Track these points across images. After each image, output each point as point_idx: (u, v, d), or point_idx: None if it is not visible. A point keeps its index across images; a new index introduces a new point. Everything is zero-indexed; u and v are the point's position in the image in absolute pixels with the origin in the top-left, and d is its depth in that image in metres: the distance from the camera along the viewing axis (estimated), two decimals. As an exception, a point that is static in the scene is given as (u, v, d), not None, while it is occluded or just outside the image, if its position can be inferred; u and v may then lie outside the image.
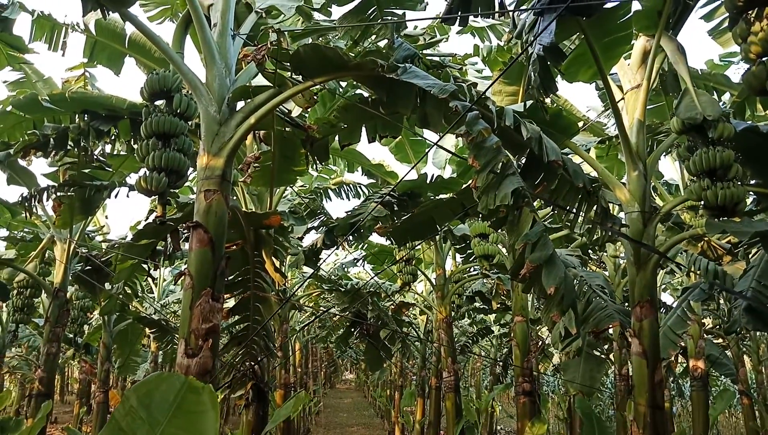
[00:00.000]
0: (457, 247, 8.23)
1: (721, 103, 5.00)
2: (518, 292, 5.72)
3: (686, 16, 3.95)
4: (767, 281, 4.02)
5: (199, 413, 0.97)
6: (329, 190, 8.55)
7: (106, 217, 10.09)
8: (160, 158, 3.22)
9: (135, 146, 4.09)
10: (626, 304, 5.89)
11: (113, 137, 4.80)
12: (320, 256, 6.36)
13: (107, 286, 6.45)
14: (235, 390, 4.78)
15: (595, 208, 3.34)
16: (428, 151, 4.01)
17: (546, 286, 2.20)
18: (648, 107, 4.37)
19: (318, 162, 4.06)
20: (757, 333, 12.48)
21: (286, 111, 3.66)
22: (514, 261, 2.57)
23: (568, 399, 11.16)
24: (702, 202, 3.36)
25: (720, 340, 12.67)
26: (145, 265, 5.30)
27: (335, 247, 6.26)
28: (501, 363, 13.21)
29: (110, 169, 5.63)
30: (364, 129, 4.05)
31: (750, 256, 5.50)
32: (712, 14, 4.34)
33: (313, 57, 2.99)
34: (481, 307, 12.28)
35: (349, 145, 4.06)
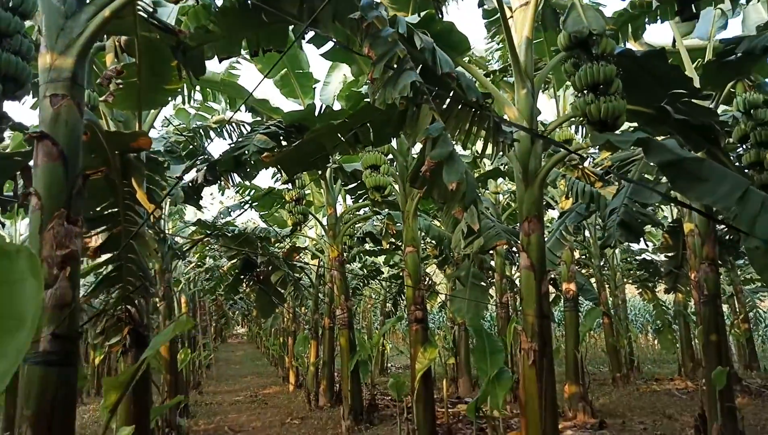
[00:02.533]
0: (348, 187, 8.09)
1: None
2: (409, 224, 5.72)
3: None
4: (638, 198, 4.33)
5: (13, 283, 0.71)
6: (209, 130, 7.94)
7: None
8: (-11, 62, 2.66)
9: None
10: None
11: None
12: (201, 195, 5.90)
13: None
14: (110, 336, 4.34)
15: (487, 123, 3.30)
16: (302, 32, 3.71)
17: (447, 181, 2.10)
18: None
19: (193, 77, 3.63)
20: (614, 262, 13.91)
21: (151, 9, 3.17)
22: (411, 170, 2.45)
23: (454, 331, 11.76)
24: (585, 119, 3.45)
25: (584, 270, 13.96)
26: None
27: (218, 182, 5.83)
28: (391, 299, 13.56)
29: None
30: (245, 41, 3.67)
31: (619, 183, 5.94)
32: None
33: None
34: (372, 249, 12.42)
35: (228, 58, 3.67)
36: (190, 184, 5.73)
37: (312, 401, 9.59)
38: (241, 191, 10.84)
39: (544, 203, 5.95)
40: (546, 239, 6.05)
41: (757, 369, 12.47)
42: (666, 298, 15.97)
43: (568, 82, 3.57)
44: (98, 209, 3.80)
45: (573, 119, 3.89)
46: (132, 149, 3.55)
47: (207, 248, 13.11)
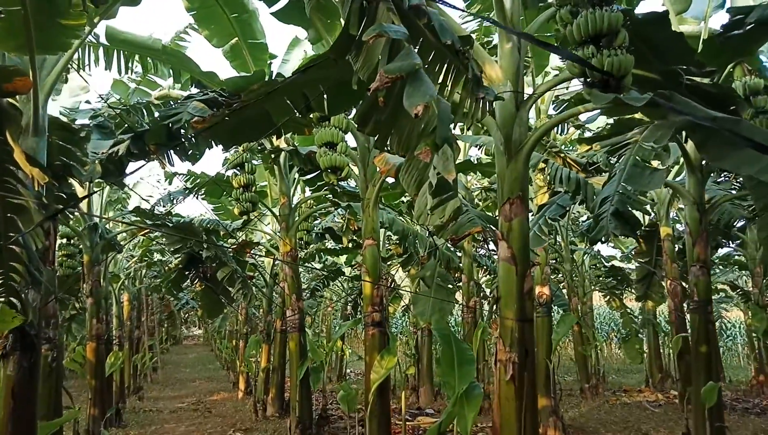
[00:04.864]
0: (306, 178, 7.32)
1: None
2: (369, 213, 5.01)
3: None
4: (634, 184, 3.73)
5: None
6: (152, 106, 7.04)
7: None
8: None
9: None
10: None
11: None
12: (125, 171, 5.04)
13: None
14: (-15, 336, 3.48)
15: (465, 77, 2.61)
16: None
17: (410, 105, 1.41)
18: None
19: (91, 3, 2.83)
20: (583, 268, 13.50)
21: None
22: (359, 109, 1.73)
23: (416, 336, 11.07)
24: (583, 78, 2.81)
25: (553, 275, 13.51)
26: None
27: (147, 158, 4.97)
28: (352, 301, 12.81)
29: None
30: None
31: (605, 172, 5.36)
32: None
33: None
34: (332, 247, 11.64)
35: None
36: (112, 157, 4.86)
37: (259, 410, 8.76)
38: (190, 179, 9.92)
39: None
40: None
41: (724, 381, 12.20)
42: (633, 306, 15.70)
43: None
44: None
45: (566, 82, 3.26)
46: (5, 93, 2.73)
47: (153, 242, 12.12)
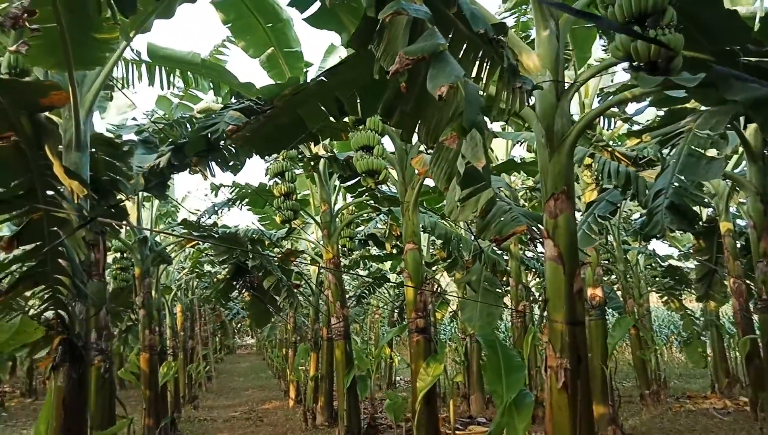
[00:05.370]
0: (347, 185, 7.28)
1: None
2: (409, 217, 4.90)
3: None
4: (689, 175, 3.47)
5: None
6: (194, 120, 7.18)
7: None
8: None
9: None
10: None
11: None
12: (168, 183, 5.13)
13: None
14: (37, 348, 3.56)
15: (500, 67, 2.47)
16: None
17: (433, 87, 1.30)
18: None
19: (121, 14, 2.85)
20: (638, 268, 12.89)
21: None
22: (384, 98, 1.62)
23: (466, 343, 10.83)
24: (629, 61, 2.62)
25: (606, 277, 12.98)
26: None
27: (188, 169, 5.04)
28: (398, 307, 12.69)
29: None
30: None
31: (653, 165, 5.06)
32: None
33: None
34: (377, 254, 11.57)
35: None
36: (154, 170, 4.94)
37: (309, 419, 8.73)
38: (235, 190, 10.08)
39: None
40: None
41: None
42: (693, 307, 14.93)
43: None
44: (7, 189, 3.02)
45: (611, 71, 3.06)
46: (43, 107, 2.78)
47: (202, 254, 12.36)
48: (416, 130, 1.64)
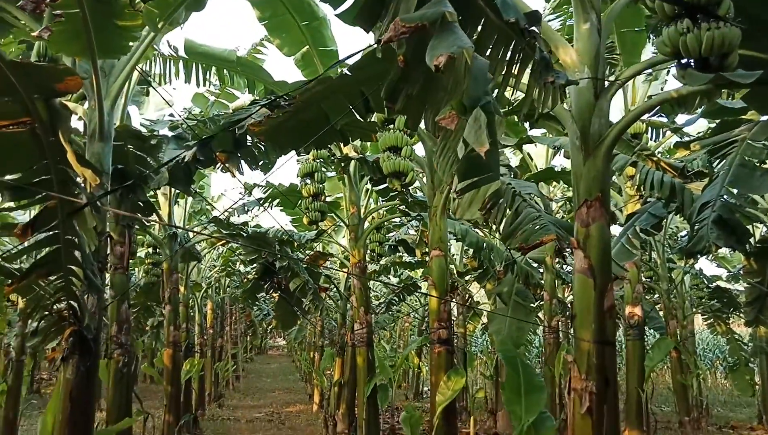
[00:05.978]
0: (377, 188, 7.12)
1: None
2: (436, 222, 4.70)
3: None
4: (741, 188, 3.16)
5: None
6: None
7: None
8: None
9: None
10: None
11: None
12: (192, 177, 5.07)
13: None
14: (47, 339, 3.52)
15: (533, 60, 2.26)
16: None
17: (431, 57, 1.12)
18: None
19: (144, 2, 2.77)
20: (683, 288, 12.27)
21: None
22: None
23: (496, 357, 10.50)
24: (678, 58, 2.37)
25: (648, 296, 12.40)
26: None
27: (214, 165, 4.98)
28: (426, 316, 12.43)
29: None
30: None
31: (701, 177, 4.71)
32: None
33: None
34: (407, 261, 11.36)
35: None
36: (179, 164, 4.89)
37: (330, 426, 8.59)
38: (268, 190, 10.07)
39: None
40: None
41: None
42: (741, 332, 14.12)
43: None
44: (21, 176, 2.99)
45: (657, 66, 2.80)
46: (58, 92, 2.72)
47: (234, 254, 12.41)
48: (422, 116, 1.47)
